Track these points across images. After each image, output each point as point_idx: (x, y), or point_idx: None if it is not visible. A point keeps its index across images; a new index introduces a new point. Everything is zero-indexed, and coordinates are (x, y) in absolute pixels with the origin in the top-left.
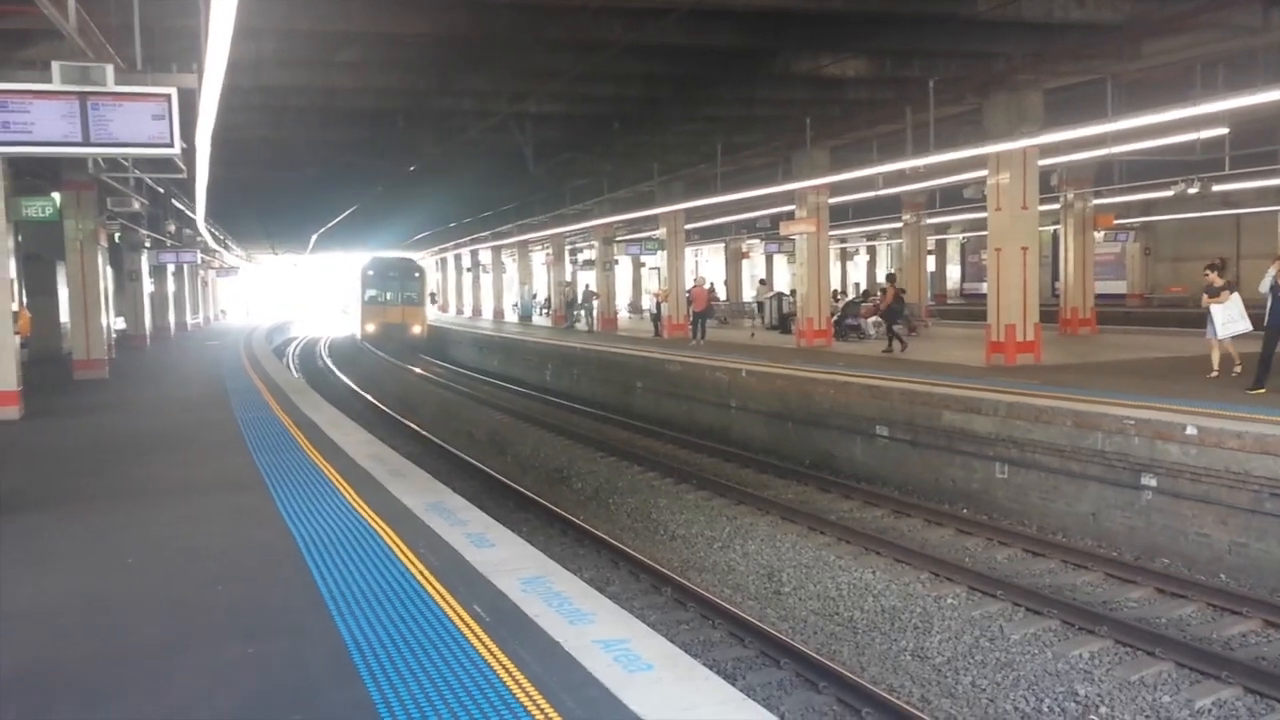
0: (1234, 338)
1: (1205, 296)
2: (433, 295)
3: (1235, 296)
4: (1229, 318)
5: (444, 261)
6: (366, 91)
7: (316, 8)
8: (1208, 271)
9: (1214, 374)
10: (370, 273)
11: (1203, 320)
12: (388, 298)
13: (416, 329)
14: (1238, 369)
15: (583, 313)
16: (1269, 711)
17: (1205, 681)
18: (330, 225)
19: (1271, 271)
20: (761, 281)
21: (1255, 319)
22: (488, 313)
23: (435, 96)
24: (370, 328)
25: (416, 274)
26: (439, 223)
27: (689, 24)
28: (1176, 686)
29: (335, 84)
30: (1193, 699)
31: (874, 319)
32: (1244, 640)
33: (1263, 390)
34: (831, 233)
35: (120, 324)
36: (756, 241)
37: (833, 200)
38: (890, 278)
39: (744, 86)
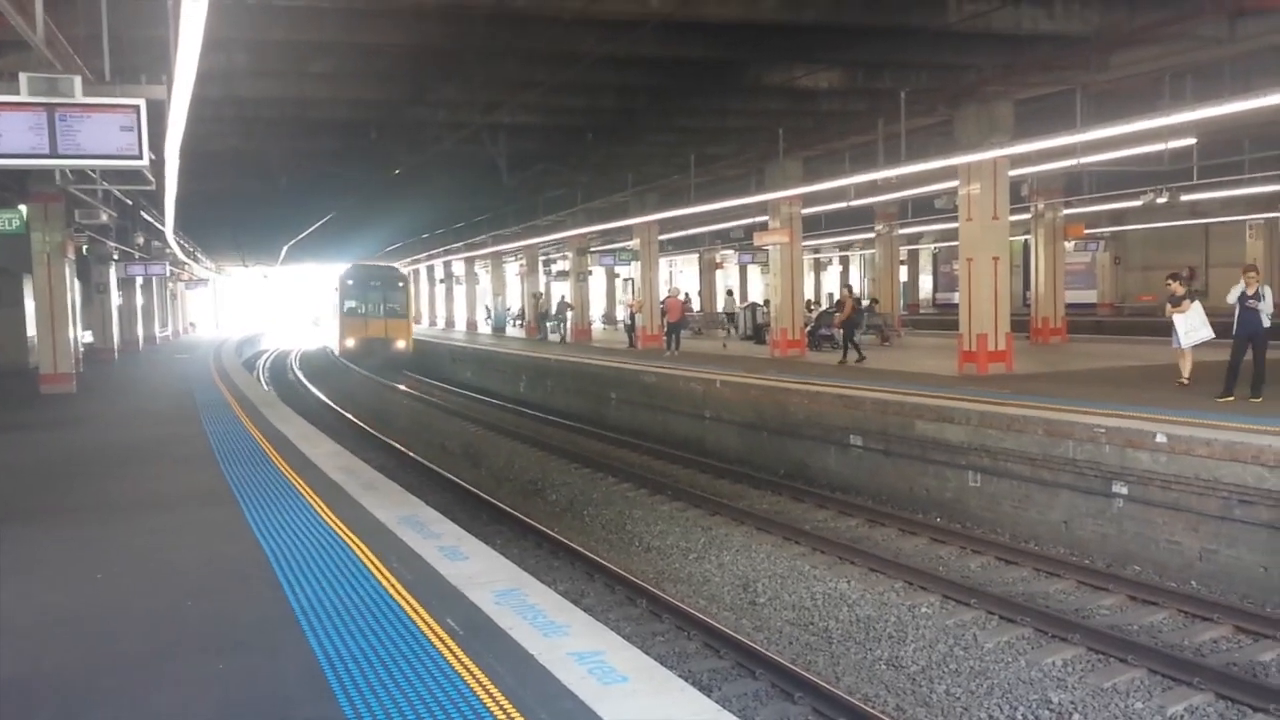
0: (1195, 346)
1: (1169, 306)
2: None
3: (1196, 305)
4: (1190, 326)
5: (416, 273)
6: (339, 102)
7: (289, 18)
8: (1169, 281)
9: (1184, 380)
10: (350, 282)
11: (1171, 329)
12: (369, 309)
13: (401, 344)
14: (1184, 380)
15: (557, 324)
16: (1241, 717)
17: (1177, 688)
18: (302, 236)
19: (1240, 284)
20: (729, 292)
21: (1224, 327)
22: (460, 324)
23: (409, 107)
24: (350, 342)
25: (401, 283)
26: (412, 234)
27: (662, 35)
28: (1149, 693)
29: (308, 94)
30: (1165, 705)
31: None
32: (1215, 646)
33: (1231, 398)
34: (805, 243)
35: (88, 337)
36: (730, 252)
37: (806, 211)
38: (848, 288)
39: (717, 98)
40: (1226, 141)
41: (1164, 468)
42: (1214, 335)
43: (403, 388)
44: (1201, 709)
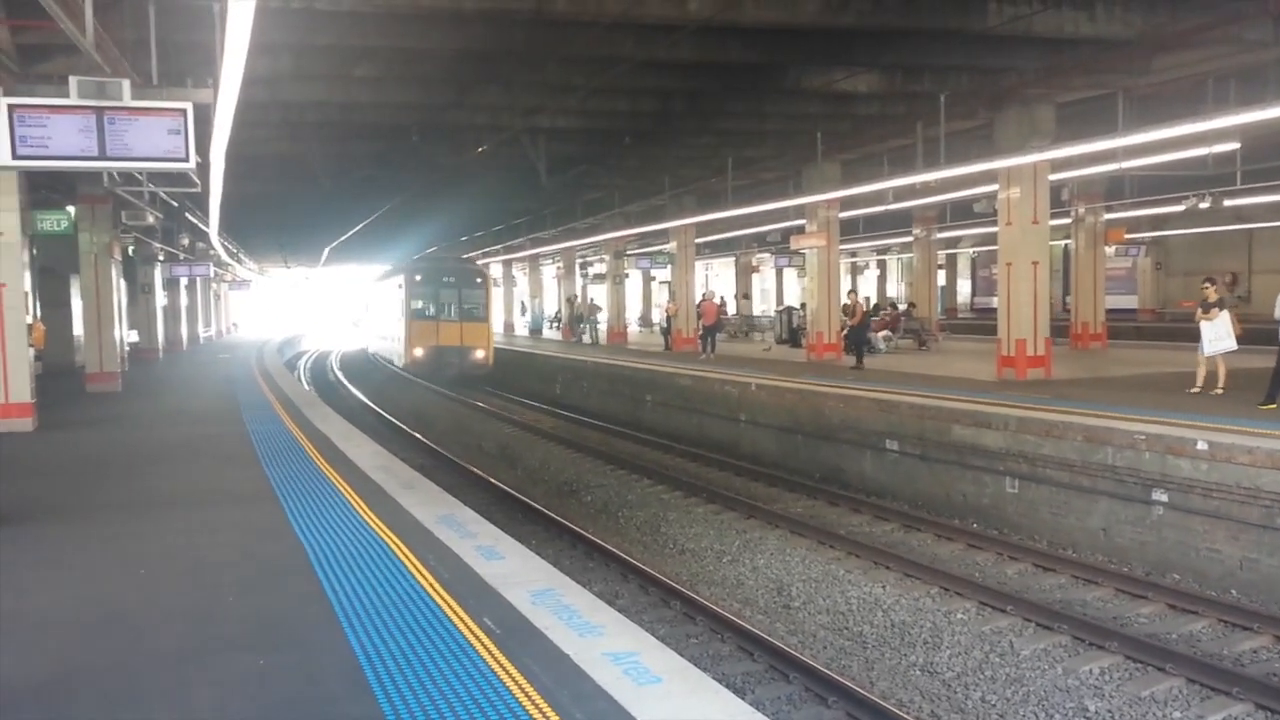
0: (1223, 354)
1: (1199, 311)
2: None
3: (1224, 314)
4: (1216, 335)
5: None
6: (382, 106)
7: (333, 23)
8: (1205, 285)
9: (1195, 389)
10: (418, 278)
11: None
12: (441, 312)
13: (480, 354)
14: (1219, 389)
15: (587, 326)
16: None
17: (1216, 698)
18: (344, 238)
19: None
20: (745, 296)
21: (1267, 335)
22: (498, 326)
23: (450, 111)
24: (418, 352)
25: (479, 280)
26: (451, 236)
27: (701, 39)
28: (1187, 703)
29: (351, 99)
30: (1204, 715)
31: (884, 333)
32: (1255, 656)
33: (1274, 406)
34: (841, 246)
35: (133, 337)
36: (767, 255)
37: (843, 214)
38: (856, 295)
39: (755, 101)
40: (1271, 145)
41: (1205, 475)
42: (1235, 346)
43: (437, 388)
44: (1240, 719)
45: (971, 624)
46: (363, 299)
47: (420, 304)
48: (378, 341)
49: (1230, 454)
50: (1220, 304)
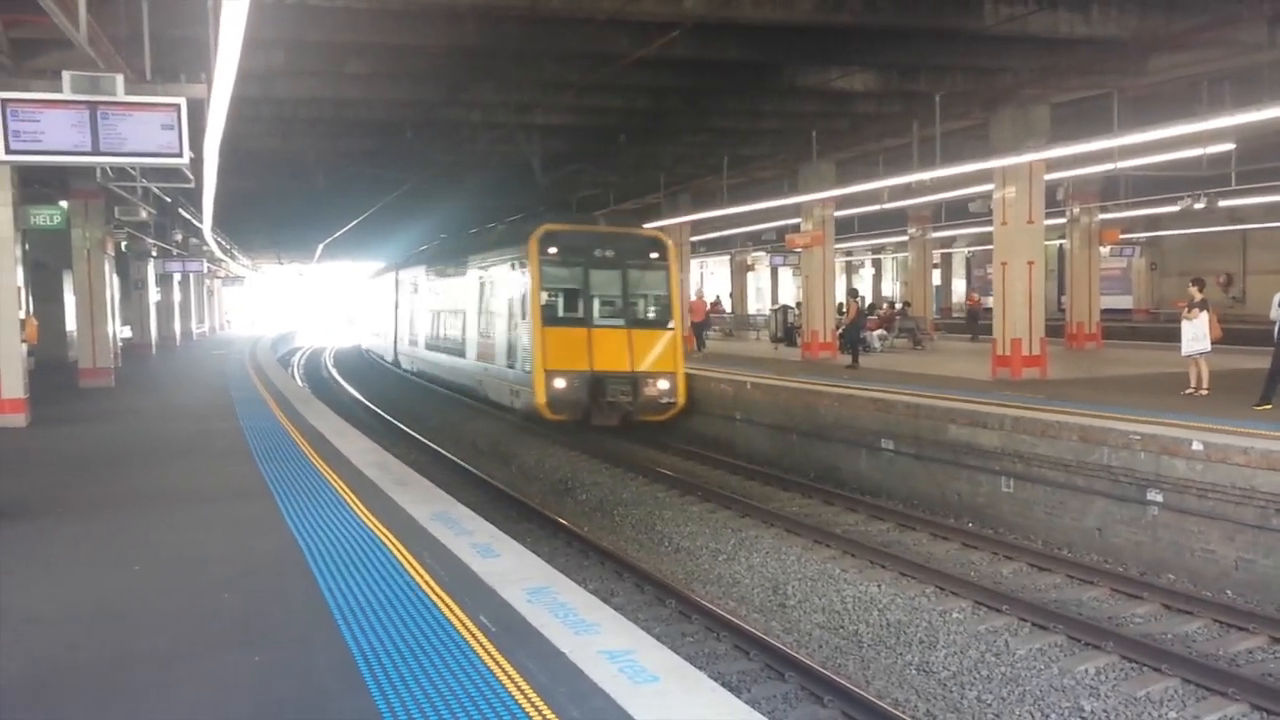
0: (1200, 355)
1: (1185, 311)
2: None
3: (1204, 315)
4: (1193, 335)
5: None
6: (376, 102)
7: (326, 19)
8: (1191, 285)
9: (1191, 390)
10: (552, 251)
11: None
12: (593, 310)
13: (664, 384)
14: (1204, 390)
15: None
16: None
17: (1211, 698)
18: (338, 235)
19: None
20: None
21: (1263, 336)
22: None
23: (444, 107)
24: (560, 383)
25: (656, 253)
26: (445, 232)
27: (697, 37)
28: (1183, 703)
29: (345, 95)
30: (1199, 715)
31: (879, 332)
32: (1250, 657)
33: (1269, 406)
34: (837, 245)
35: (126, 332)
36: (762, 254)
37: (838, 213)
38: (852, 293)
39: (751, 99)
40: (1266, 147)
41: (1200, 475)
42: (1209, 348)
43: (433, 386)
44: (1236, 719)
45: (967, 623)
46: (379, 292)
47: (557, 298)
48: (431, 357)
49: (1225, 454)
50: (1203, 305)
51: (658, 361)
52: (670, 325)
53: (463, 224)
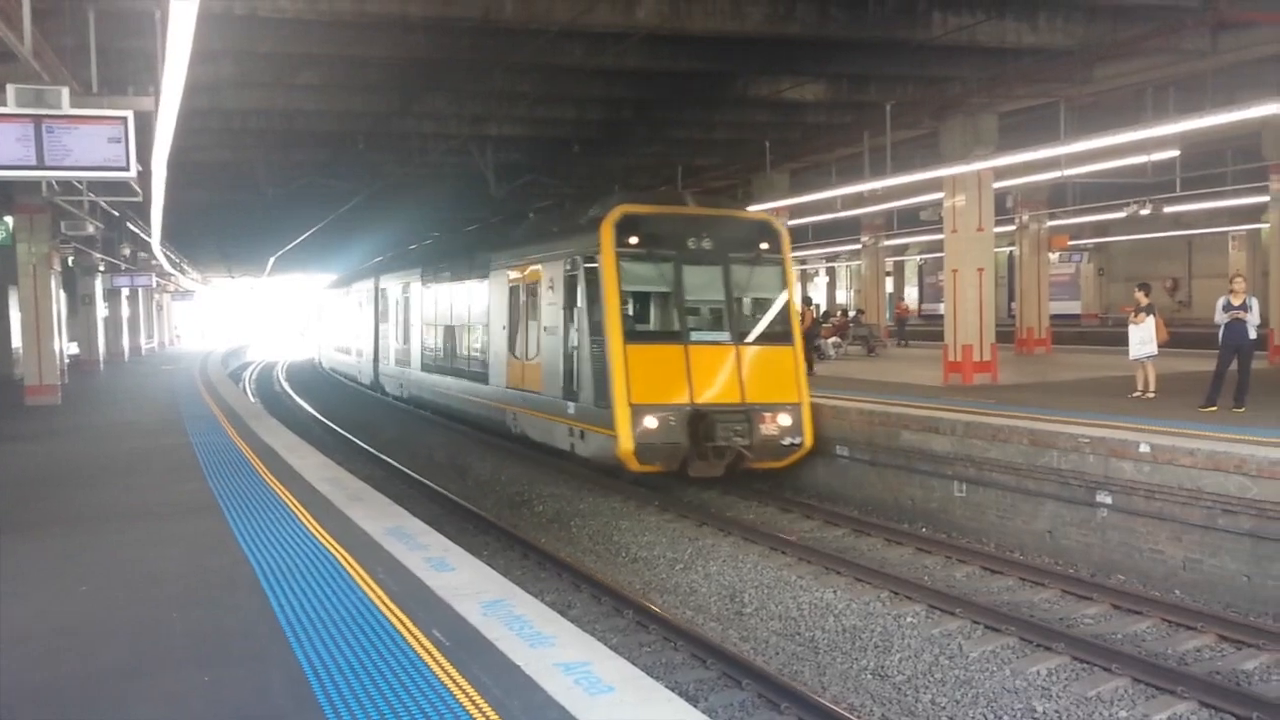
0: (1148, 359)
1: (1132, 314)
2: None
3: (1150, 320)
4: (1141, 339)
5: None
6: (326, 114)
7: (276, 30)
8: (1138, 290)
9: (1138, 393)
10: (632, 241)
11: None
12: (688, 320)
13: (787, 420)
14: (1150, 394)
15: None
16: None
17: (1161, 696)
18: (289, 247)
19: (1227, 295)
20: None
21: (1207, 339)
22: None
23: (396, 118)
24: (650, 421)
25: (766, 244)
26: (400, 245)
27: (649, 47)
28: (1133, 702)
29: (295, 106)
30: (1149, 714)
31: (833, 339)
32: (1199, 655)
33: (1214, 408)
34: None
35: (73, 349)
36: None
37: (792, 222)
38: (806, 301)
39: (704, 110)
40: (1209, 154)
41: (1148, 477)
42: (1156, 352)
43: (389, 402)
44: (1185, 717)
45: (921, 627)
46: (349, 303)
47: (644, 305)
48: (431, 382)
49: (1172, 456)
50: (1150, 310)
51: (777, 389)
52: (790, 340)
53: (417, 237)
